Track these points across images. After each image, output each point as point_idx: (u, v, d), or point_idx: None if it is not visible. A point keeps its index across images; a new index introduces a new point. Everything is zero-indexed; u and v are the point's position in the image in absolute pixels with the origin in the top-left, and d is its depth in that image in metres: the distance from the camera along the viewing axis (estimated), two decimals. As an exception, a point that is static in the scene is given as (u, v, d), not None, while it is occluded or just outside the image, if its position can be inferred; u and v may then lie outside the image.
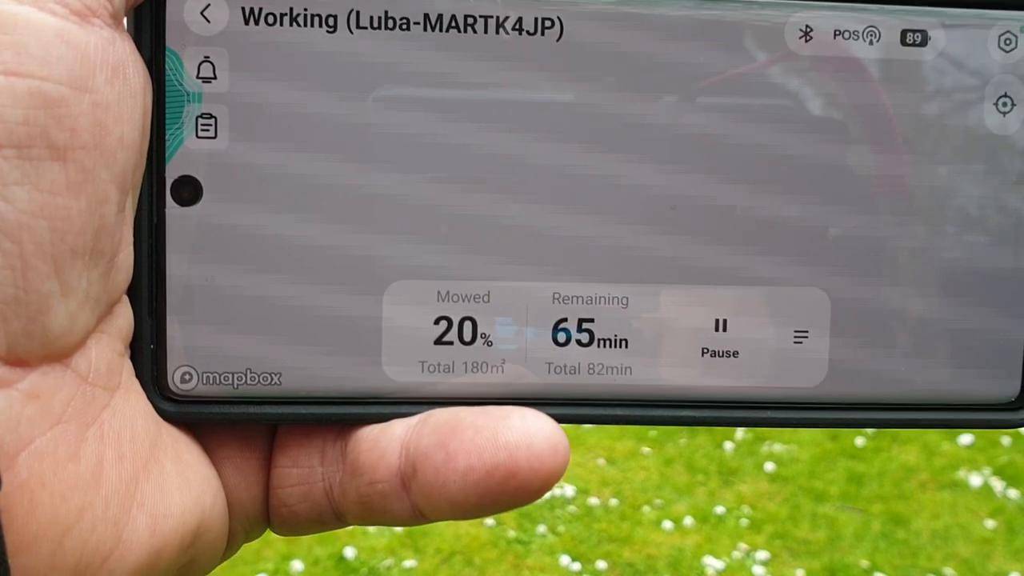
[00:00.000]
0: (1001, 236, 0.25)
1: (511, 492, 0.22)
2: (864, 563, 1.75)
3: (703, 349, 0.25)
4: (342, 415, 0.24)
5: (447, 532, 1.78)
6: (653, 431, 2.20)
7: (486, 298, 0.24)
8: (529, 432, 0.22)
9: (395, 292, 0.24)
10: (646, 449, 2.14)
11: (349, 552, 1.74)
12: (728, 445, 2.15)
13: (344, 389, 0.24)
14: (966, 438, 2.19)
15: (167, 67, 0.23)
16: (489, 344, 0.24)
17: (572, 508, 1.91)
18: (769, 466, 2.07)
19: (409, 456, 0.23)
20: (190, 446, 0.23)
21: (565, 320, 0.25)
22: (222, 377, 0.24)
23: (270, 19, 0.23)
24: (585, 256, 0.24)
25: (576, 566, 1.73)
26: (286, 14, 0.23)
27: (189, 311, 0.24)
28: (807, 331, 0.25)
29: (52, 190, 0.19)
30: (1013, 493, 1.97)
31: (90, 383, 0.21)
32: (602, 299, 0.25)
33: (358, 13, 0.23)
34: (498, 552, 1.76)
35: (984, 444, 2.17)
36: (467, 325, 0.24)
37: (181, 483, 0.22)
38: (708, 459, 2.10)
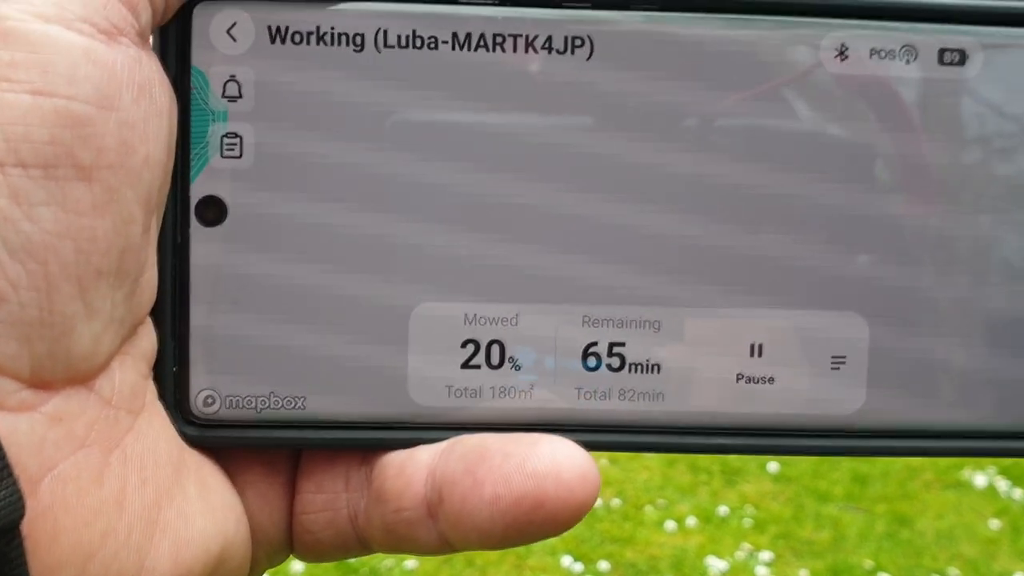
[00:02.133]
0: None
1: (539, 522, 0.21)
2: (868, 563, 1.75)
3: (738, 375, 0.24)
4: (367, 440, 0.24)
5: (450, 530, 1.78)
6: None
7: (514, 321, 0.24)
8: (557, 460, 0.22)
9: (421, 315, 0.24)
10: (649, 448, 2.14)
11: (351, 550, 1.74)
12: (731, 445, 2.15)
13: (369, 413, 0.24)
14: (970, 439, 2.18)
15: (193, 86, 0.23)
16: (517, 368, 0.24)
17: (575, 507, 1.91)
18: (772, 466, 2.06)
19: (436, 483, 0.22)
20: (213, 471, 0.23)
21: (595, 344, 0.24)
22: (245, 401, 0.24)
23: (296, 38, 0.23)
24: (616, 279, 0.24)
25: (578, 567, 1.73)
26: (313, 33, 0.23)
27: (212, 333, 0.23)
28: (844, 357, 0.24)
29: (77, 210, 0.19)
30: (1018, 493, 1.97)
31: (113, 406, 0.20)
32: (633, 323, 0.24)
33: (386, 32, 0.23)
34: (499, 552, 1.76)
35: (988, 445, 2.16)
36: (495, 349, 0.24)
37: (204, 509, 0.22)
38: (711, 459, 2.10)
